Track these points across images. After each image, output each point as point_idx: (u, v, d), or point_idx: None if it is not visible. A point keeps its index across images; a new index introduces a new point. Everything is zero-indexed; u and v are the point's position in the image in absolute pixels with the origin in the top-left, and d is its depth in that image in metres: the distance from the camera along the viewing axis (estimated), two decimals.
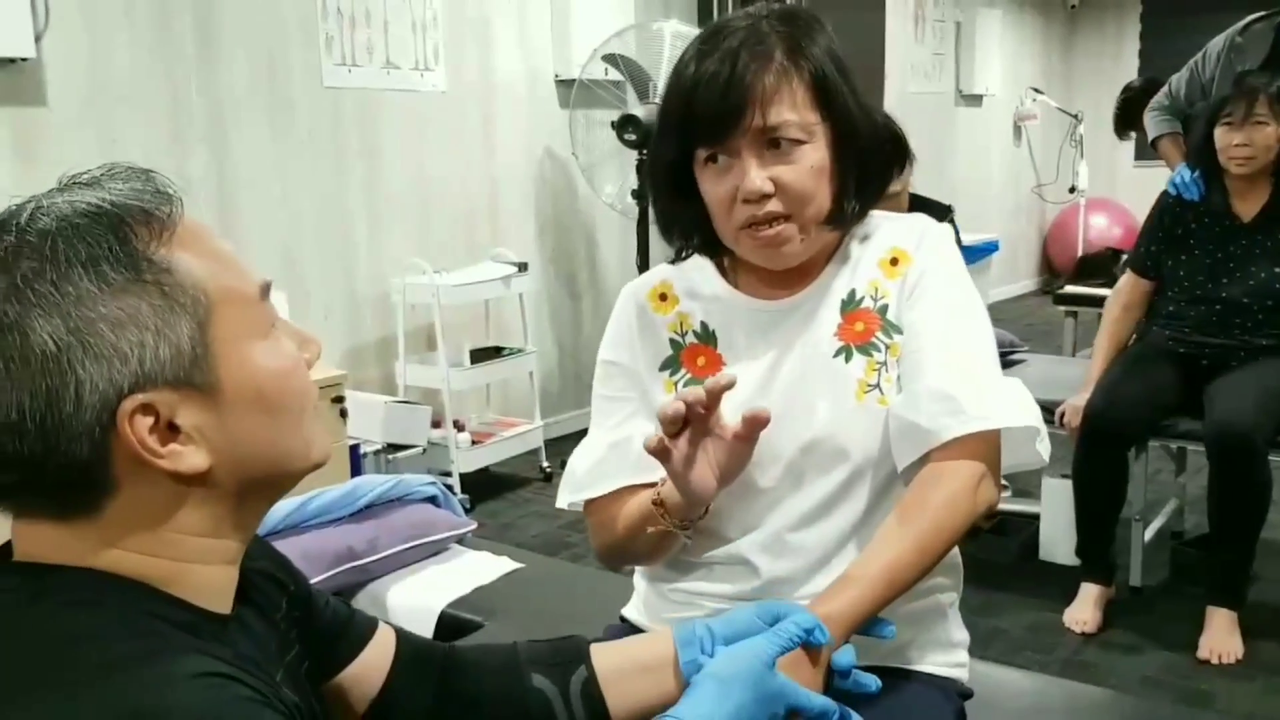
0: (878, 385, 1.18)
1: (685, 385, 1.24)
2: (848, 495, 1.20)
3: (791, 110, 1.12)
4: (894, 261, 1.22)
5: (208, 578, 0.77)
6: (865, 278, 1.22)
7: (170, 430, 0.72)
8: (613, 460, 1.25)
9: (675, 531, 1.18)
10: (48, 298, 0.68)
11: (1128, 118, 4.90)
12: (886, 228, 1.25)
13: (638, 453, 1.20)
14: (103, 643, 0.68)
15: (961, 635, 1.30)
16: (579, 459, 1.29)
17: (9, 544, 0.76)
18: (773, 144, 1.13)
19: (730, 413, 1.10)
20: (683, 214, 1.23)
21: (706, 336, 1.26)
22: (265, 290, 0.80)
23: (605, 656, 1.04)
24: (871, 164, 1.19)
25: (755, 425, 1.07)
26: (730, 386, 1.06)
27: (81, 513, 0.73)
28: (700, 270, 1.29)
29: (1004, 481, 4.00)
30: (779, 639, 0.94)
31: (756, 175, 1.12)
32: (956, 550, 1.28)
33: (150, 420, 0.71)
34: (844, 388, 1.18)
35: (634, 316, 1.30)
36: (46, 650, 0.68)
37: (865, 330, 1.20)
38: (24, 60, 3.01)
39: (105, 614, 0.70)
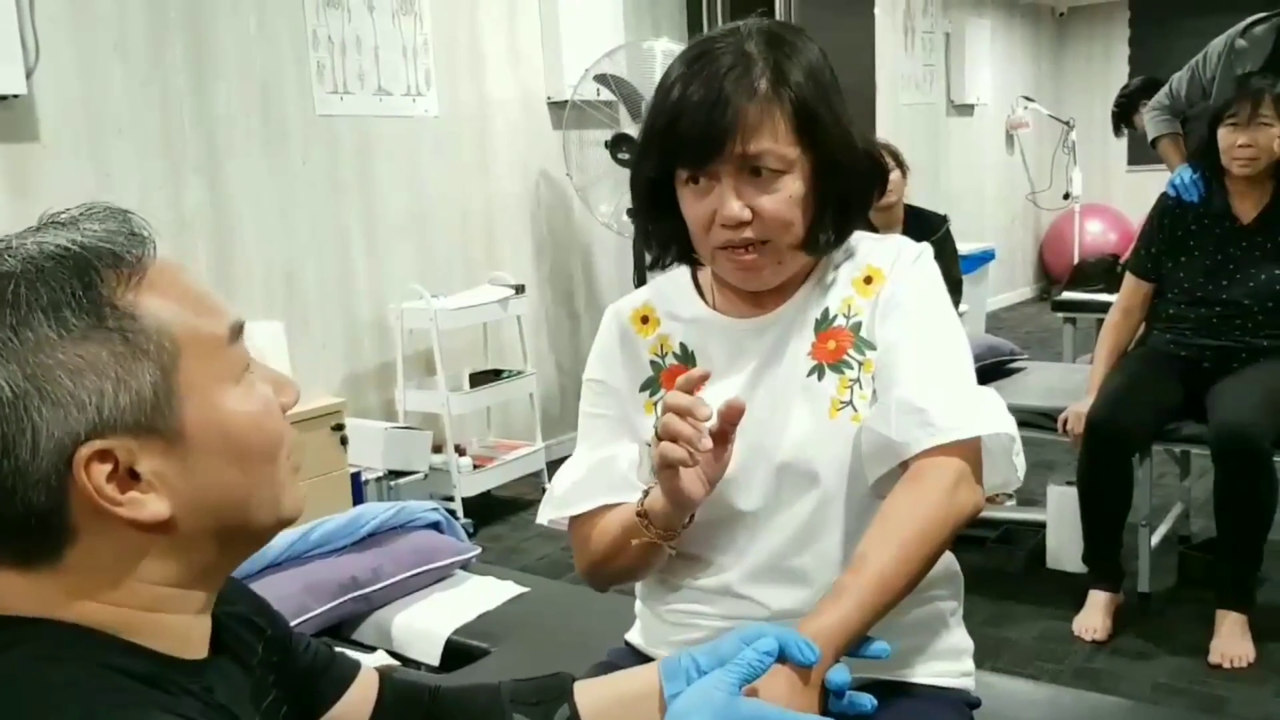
0: (850, 402, 1.18)
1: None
2: (829, 514, 1.19)
3: (773, 141, 1.12)
4: (868, 280, 1.22)
5: (176, 626, 0.76)
6: (839, 296, 1.23)
7: (131, 478, 0.71)
8: (593, 479, 1.26)
9: (659, 542, 1.17)
10: (6, 344, 0.67)
11: (1125, 116, 4.94)
12: (864, 247, 1.26)
13: (619, 472, 1.23)
14: (81, 697, 0.67)
15: (965, 643, 1.29)
16: (560, 476, 1.30)
17: None
18: (753, 172, 1.13)
19: (712, 423, 1.11)
20: (662, 228, 1.24)
21: (685, 357, 1.27)
22: (237, 331, 0.78)
23: (589, 693, 1.02)
24: (850, 192, 1.19)
25: (733, 417, 1.08)
26: (704, 379, 1.08)
27: (43, 561, 0.71)
28: (680, 291, 1.31)
29: (1008, 492, 3.99)
30: (738, 668, 0.92)
31: (734, 203, 1.14)
32: (954, 558, 1.28)
33: (108, 468, 0.69)
34: (817, 406, 1.18)
35: (617, 338, 1.31)
36: (26, 703, 0.67)
37: (837, 348, 1.20)
38: (15, 97, 3.01)
39: (67, 669, 0.69)
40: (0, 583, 0.72)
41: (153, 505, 0.72)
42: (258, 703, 0.84)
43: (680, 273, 1.32)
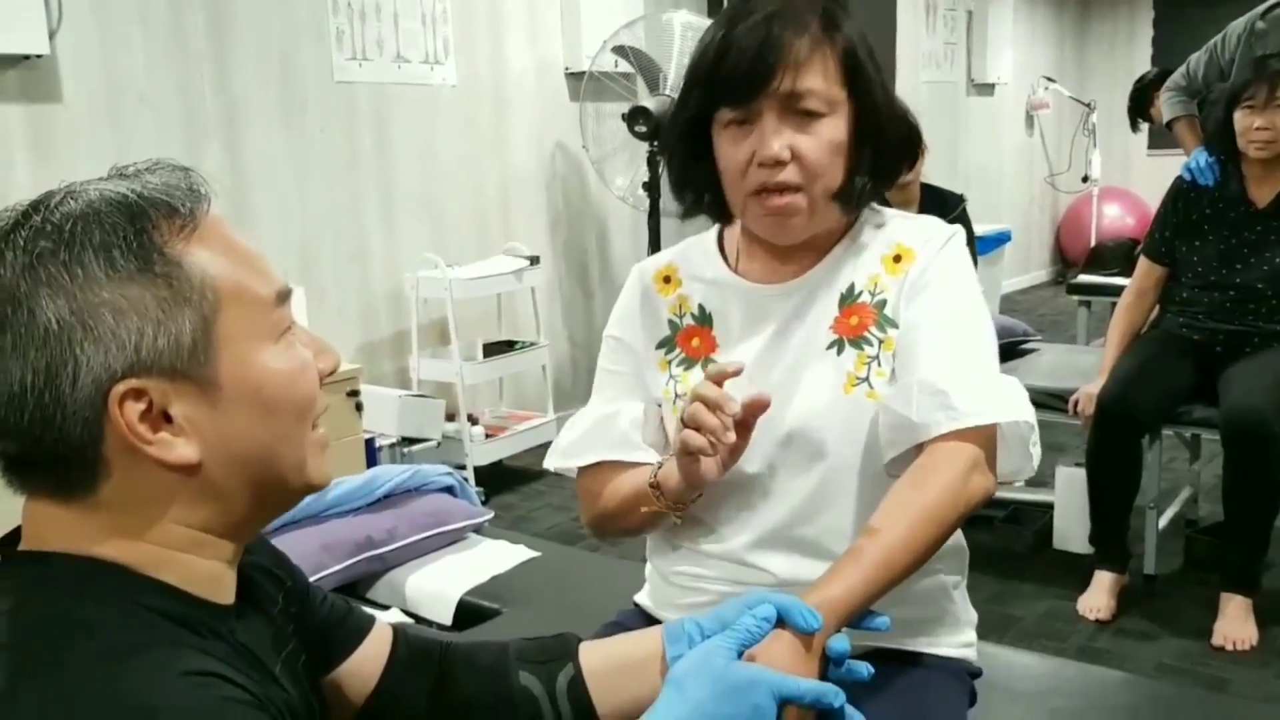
0: (866, 379, 1.19)
1: (679, 364, 1.27)
2: (838, 487, 1.20)
3: (820, 80, 1.13)
4: (897, 258, 1.22)
5: (206, 571, 0.78)
6: (866, 273, 1.23)
7: (164, 419, 0.73)
8: (596, 434, 1.29)
9: (667, 511, 1.21)
10: (57, 278, 0.70)
11: (1141, 109, 4.88)
12: (895, 225, 1.26)
13: (619, 430, 1.26)
14: (100, 633, 0.70)
15: (968, 615, 1.30)
16: (569, 426, 1.33)
17: (19, 529, 0.78)
18: (797, 112, 1.14)
19: (731, 393, 1.12)
20: (696, 175, 1.24)
21: (703, 319, 1.28)
22: (284, 295, 0.81)
23: (593, 654, 1.04)
24: (888, 149, 1.20)
25: (756, 410, 1.09)
26: (737, 374, 1.09)
27: (79, 494, 0.74)
28: (705, 253, 1.31)
29: (1020, 480, 3.99)
30: (737, 633, 0.94)
31: (775, 141, 1.13)
32: (960, 534, 1.29)
33: (141, 406, 0.72)
34: (833, 379, 1.19)
35: (638, 296, 1.33)
36: (48, 637, 0.69)
37: (859, 324, 1.21)
38: (38, 57, 3.03)
39: (101, 605, 0.72)
40: (37, 513, 0.75)
41: (181, 448, 0.74)
42: (279, 650, 0.86)
43: (707, 236, 1.33)
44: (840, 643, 0.99)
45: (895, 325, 1.20)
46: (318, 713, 0.90)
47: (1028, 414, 1.16)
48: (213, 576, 0.79)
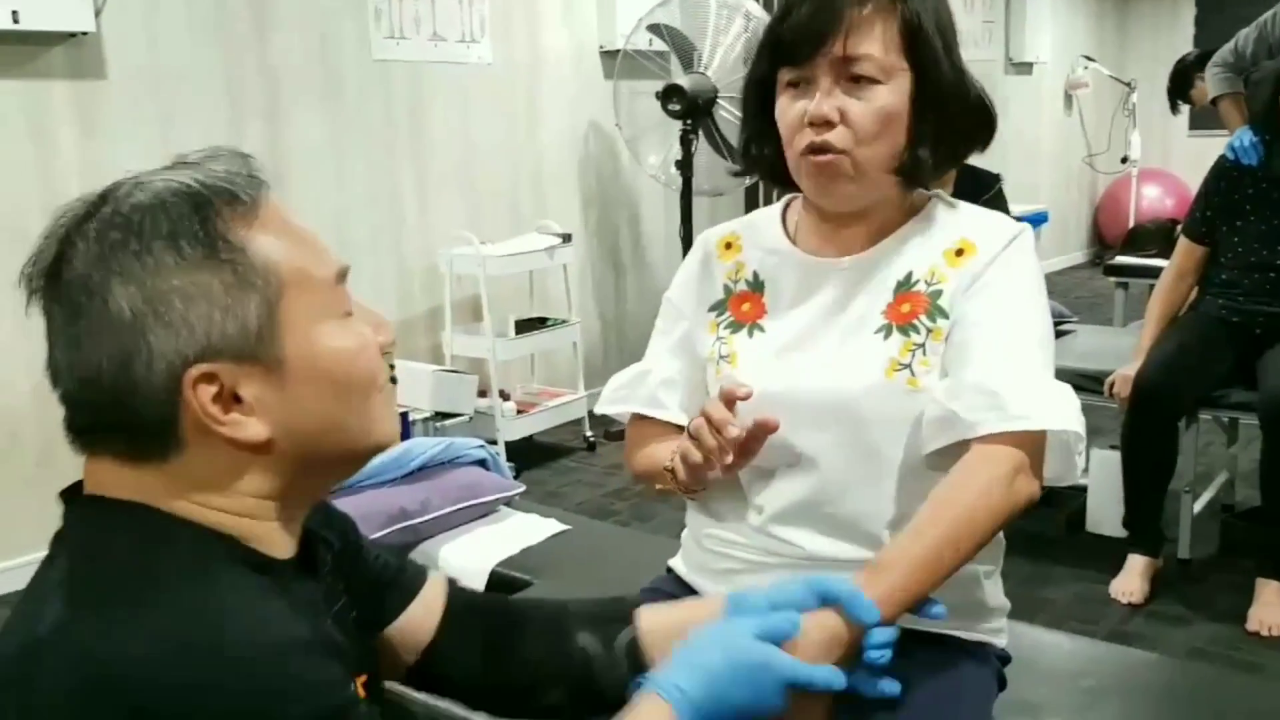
0: (909, 366, 1.18)
1: (726, 327, 1.30)
2: (873, 469, 1.20)
3: (875, 46, 1.13)
4: (959, 252, 1.21)
5: (270, 533, 0.81)
6: (927, 262, 1.22)
7: (234, 400, 0.76)
8: (631, 387, 1.36)
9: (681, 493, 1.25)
10: (128, 268, 0.73)
11: (1181, 91, 4.79)
12: (963, 217, 1.24)
13: (649, 387, 1.33)
14: (173, 572, 0.73)
15: (999, 602, 1.30)
16: (616, 375, 1.39)
17: (79, 483, 0.80)
18: (851, 78, 1.14)
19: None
20: (761, 131, 1.26)
21: (756, 285, 1.30)
22: (342, 275, 0.83)
23: (652, 617, 1.06)
24: (953, 126, 1.19)
25: (762, 432, 1.12)
26: (746, 398, 1.11)
27: (151, 460, 0.77)
28: (768, 223, 1.33)
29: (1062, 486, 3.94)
30: (764, 623, 0.95)
31: (825, 102, 1.15)
32: None
33: (214, 389, 0.75)
34: (876, 362, 1.19)
35: (699, 260, 1.36)
36: (122, 574, 0.72)
37: (910, 311, 1.20)
38: (84, 34, 3.07)
39: (175, 548, 0.75)
40: (104, 471, 0.78)
41: (253, 428, 0.77)
42: (330, 606, 0.88)
43: (774, 207, 1.35)
44: (886, 634, 1.01)
45: (946, 316, 1.19)
46: (371, 665, 0.93)
47: (1076, 424, 1.14)
48: (275, 539, 0.82)
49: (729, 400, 1.11)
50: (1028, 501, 1.13)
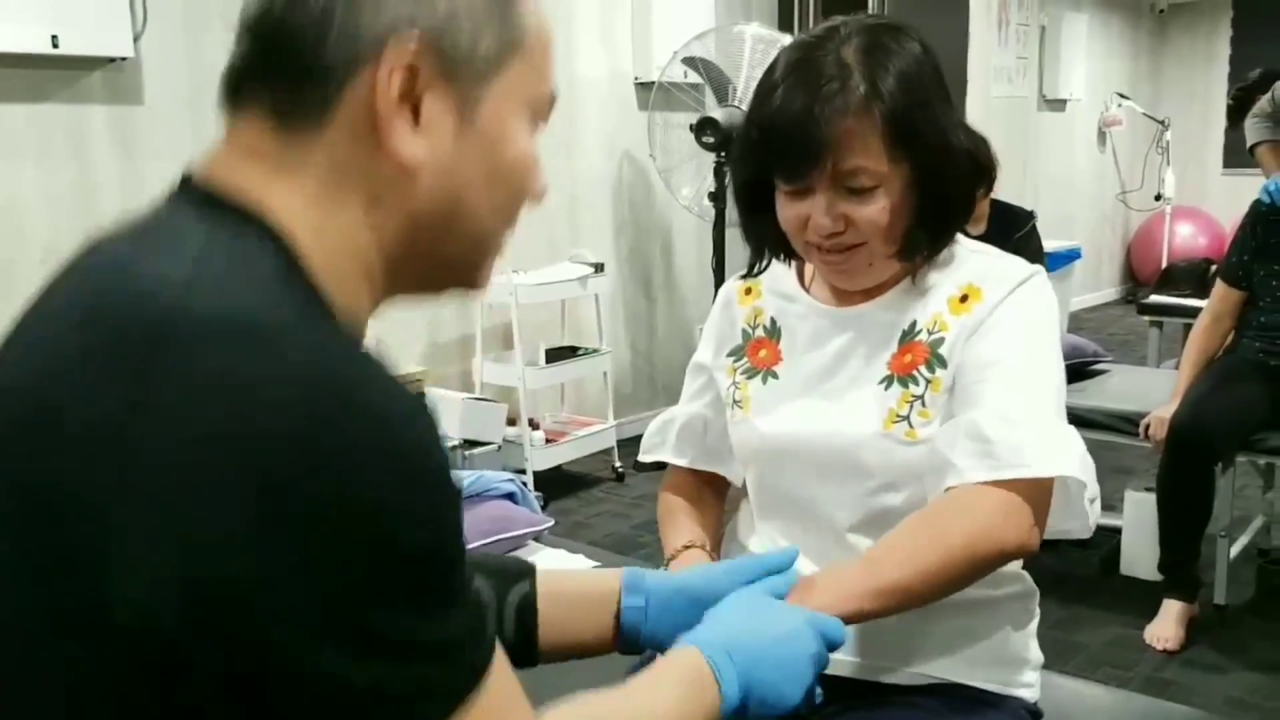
0: (907, 418, 1.17)
1: (744, 372, 1.31)
2: (879, 518, 1.18)
3: (864, 158, 1.11)
4: (964, 298, 1.19)
5: (353, 296, 0.71)
6: (931, 311, 1.20)
7: (413, 112, 0.69)
8: (659, 433, 1.41)
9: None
10: None
11: (1242, 110, 4.78)
12: (971, 263, 1.22)
13: (673, 433, 1.38)
14: (300, 321, 0.64)
15: (1031, 655, 1.27)
16: (653, 422, 1.44)
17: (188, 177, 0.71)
18: (847, 189, 1.13)
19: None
20: (760, 227, 1.26)
21: (773, 331, 1.30)
22: (553, 103, 0.80)
23: (549, 581, 1.02)
24: (951, 196, 1.18)
25: None
26: None
27: (292, 125, 0.68)
28: (787, 270, 1.33)
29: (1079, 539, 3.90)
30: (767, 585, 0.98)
31: (825, 218, 1.14)
32: (1027, 575, 1.27)
33: (402, 79, 0.67)
34: (876, 413, 1.18)
35: (722, 304, 1.37)
36: (251, 294, 0.63)
37: (912, 362, 1.19)
38: (123, 60, 3.11)
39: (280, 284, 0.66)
40: (251, 134, 0.70)
41: (412, 144, 0.69)
42: None
43: None
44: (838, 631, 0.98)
45: (945, 366, 1.17)
46: None
47: (1074, 470, 1.10)
48: (357, 310, 0.72)
49: None
50: (1017, 549, 1.08)
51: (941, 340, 1.18)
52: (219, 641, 0.56)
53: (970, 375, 1.16)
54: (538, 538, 2.12)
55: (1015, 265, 1.21)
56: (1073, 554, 3.32)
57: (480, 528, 1.98)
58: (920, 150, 1.13)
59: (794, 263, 1.32)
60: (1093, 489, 1.14)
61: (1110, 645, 2.85)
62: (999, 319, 1.17)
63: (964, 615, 1.20)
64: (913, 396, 1.18)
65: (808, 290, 1.29)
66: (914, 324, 1.21)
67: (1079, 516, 1.16)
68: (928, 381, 1.18)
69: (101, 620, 0.57)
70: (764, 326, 1.31)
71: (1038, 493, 1.10)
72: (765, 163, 1.17)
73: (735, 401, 1.30)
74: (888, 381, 1.20)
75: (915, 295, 1.22)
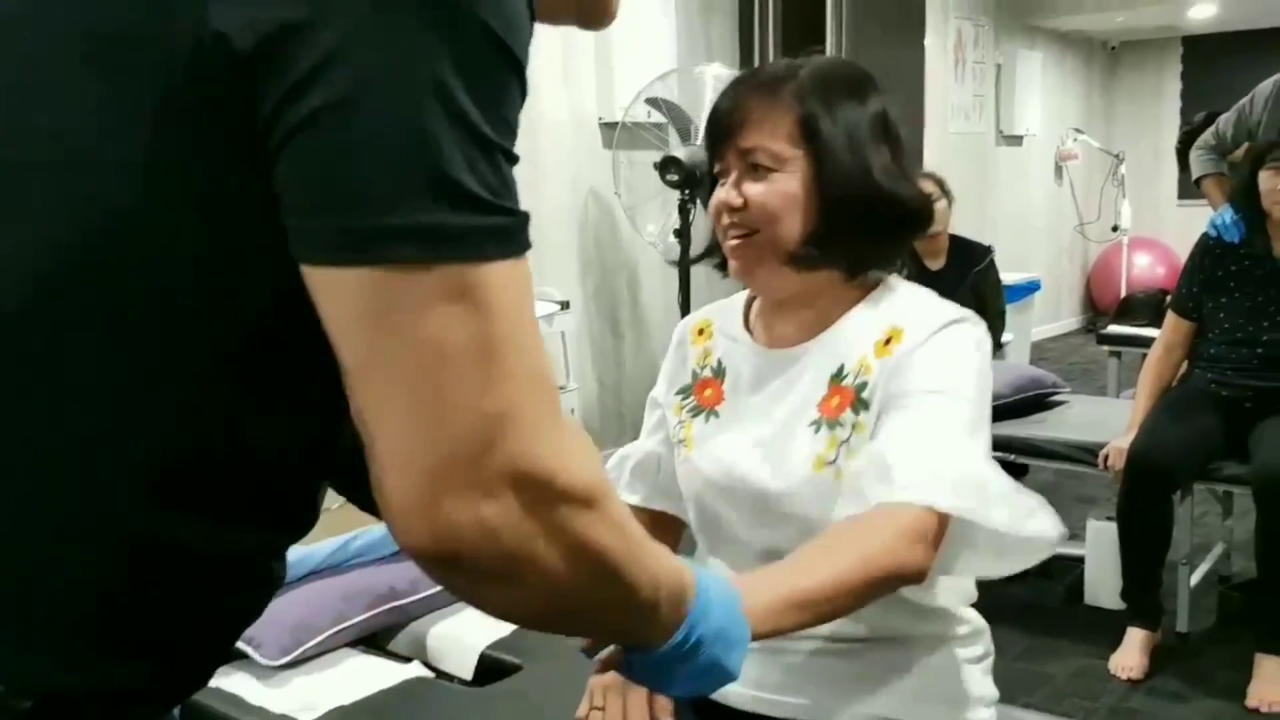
0: (835, 462, 1.18)
1: (689, 410, 1.33)
2: None
3: (767, 138, 1.19)
4: (888, 340, 1.20)
5: None
6: (858, 354, 1.21)
7: None
8: (617, 469, 1.42)
9: None
10: None
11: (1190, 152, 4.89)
12: (899, 305, 1.24)
13: (629, 470, 1.40)
14: None
15: (985, 691, 1.28)
16: (610, 459, 1.44)
17: None
18: (752, 167, 1.20)
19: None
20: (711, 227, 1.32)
21: (719, 371, 1.33)
22: None
23: None
24: (853, 217, 1.19)
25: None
26: None
27: None
28: (734, 311, 1.36)
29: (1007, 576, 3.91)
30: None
31: (730, 189, 1.22)
32: (976, 614, 1.29)
33: None
34: (806, 456, 1.20)
35: (675, 345, 1.40)
36: None
37: (839, 405, 1.21)
38: None
39: None
40: None
41: None
42: None
43: (741, 295, 1.38)
44: None
45: (868, 409, 1.18)
46: None
47: (973, 506, 1.07)
48: None
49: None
50: (915, 572, 1.06)
51: (865, 384, 1.20)
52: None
53: (888, 411, 1.17)
54: None
55: (943, 309, 1.22)
56: (1037, 584, 3.35)
57: None
58: (826, 152, 1.18)
59: (746, 300, 1.35)
60: (1037, 526, 1.10)
61: (1076, 676, 2.87)
62: (915, 359, 1.17)
63: (908, 652, 1.21)
64: (840, 440, 1.19)
65: (750, 332, 1.32)
66: (841, 367, 1.22)
67: (1017, 551, 1.13)
68: (853, 425, 1.19)
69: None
70: (711, 367, 1.33)
71: (933, 520, 1.08)
72: (705, 144, 1.27)
73: (680, 440, 1.32)
74: (817, 425, 1.21)
75: (845, 338, 1.24)
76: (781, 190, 1.19)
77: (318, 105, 0.56)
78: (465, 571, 0.61)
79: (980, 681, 1.28)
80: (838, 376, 1.22)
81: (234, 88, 0.57)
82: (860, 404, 1.19)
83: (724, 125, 1.22)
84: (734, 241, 1.23)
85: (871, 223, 1.21)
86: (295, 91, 0.56)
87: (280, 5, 0.56)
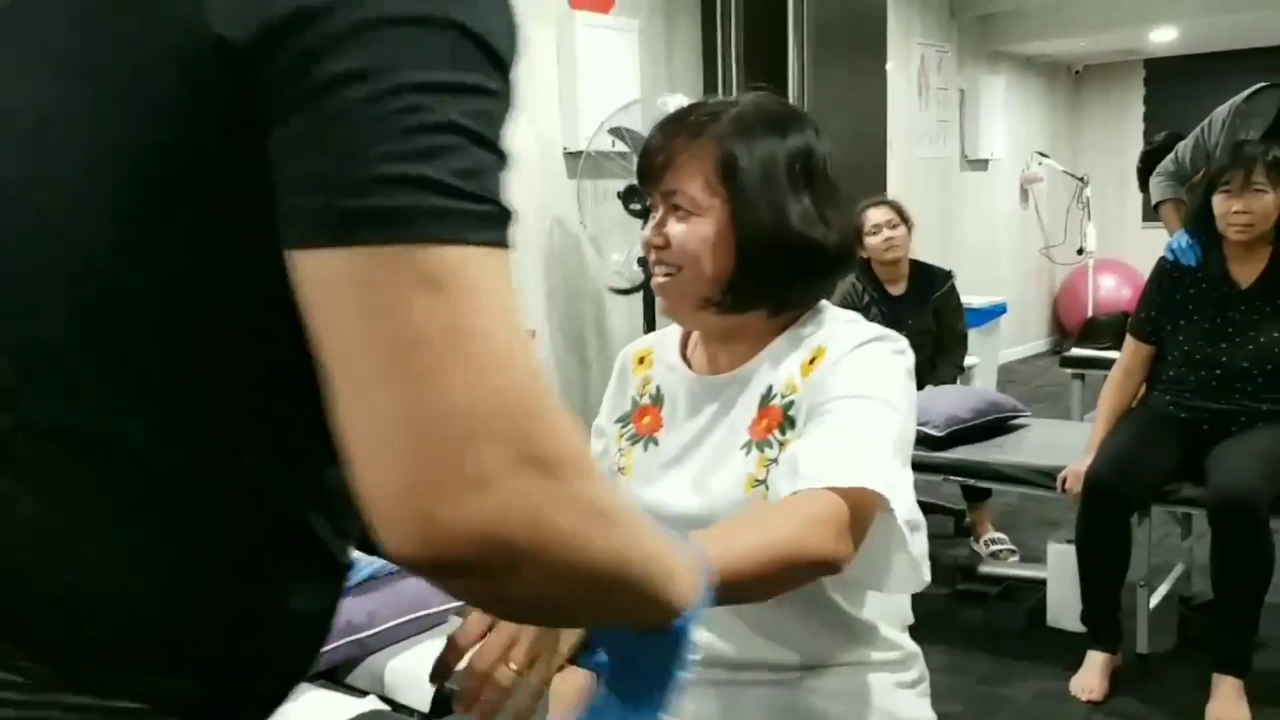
0: (764, 481, 1.21)
1: (628, 439, 1.35)
2: None
3: (687, 183, 1.22)
4: (812, 360, 1.23)
5: None
6: (785, 376, 1.24)
7: None
8: None
9: None
10: None
11: (1150, 173, 4.95)
12: (825, 329, 1.27)
13: None
14: None
15: (921, 714, 1.30)
16: None
17: None
18: (674, 207, 1.24)
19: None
20: None
21: (657, 399, 1.35)
22: None
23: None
24: (768, 263, 1.21)
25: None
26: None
27: None
28: (672, 340, 1.39)
29: (1011, 547, 3.94)
30: None
31: (654, 229, 1.25)
32: (909, 640, 1.31)
33: None
34: (737, 478, 1.23)
35: (617, 373, 1.42)
36: None
37: (768, 427, 1.23)
38: None
39: None
40: None
41: None
42: None
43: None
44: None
45: (794, 427, 1.21)
46: None
47: (875, 483, 1.07)
48: None
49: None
50: (831, 556, 1.03)
51: (792, 403, 1.23)
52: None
53: (808, 421, 1.19)
54: (459, 613, 2.12)
55: (866, 329, 1.25)
56: (1000, 607, 3.37)
57: (399, 606, 1.98)
58: (741, 197, 1.20)
59: (680, 332, 1.37)
60: (918, 545, 1.13)
61: (1037, 699, 2.89)
62: (835, 370, 1.20)
63: (844, 680, 1.23)
64: (769, 460, 1.21)
65: (686, 360, 1.34)
66: (770, 389, 1.25)
67: (903, 569, 1.14)
68: (780, 444, 1.21)
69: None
70: (650, 394, 1.36)
71: (842, 508, 1.06)
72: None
73: (619, 468, 1.34)
74: (748, 447, 1.24)
75: (775, 362, 1.27)
76: (699, 234, 1.22)
77: (307, 89, 0.58)
78: (471, 572, 0.59)
79: (916, 704, 1.30)
80: (766, 398, 1.25)
81: (230, 76, 0.59)
82: (787, 422, 1.22)
83: (648, 167, 1.25)
84: (660, 279, 1.26)
85: (788, 267, 1.22)
86: (287, 78, 0.58)
87: None
